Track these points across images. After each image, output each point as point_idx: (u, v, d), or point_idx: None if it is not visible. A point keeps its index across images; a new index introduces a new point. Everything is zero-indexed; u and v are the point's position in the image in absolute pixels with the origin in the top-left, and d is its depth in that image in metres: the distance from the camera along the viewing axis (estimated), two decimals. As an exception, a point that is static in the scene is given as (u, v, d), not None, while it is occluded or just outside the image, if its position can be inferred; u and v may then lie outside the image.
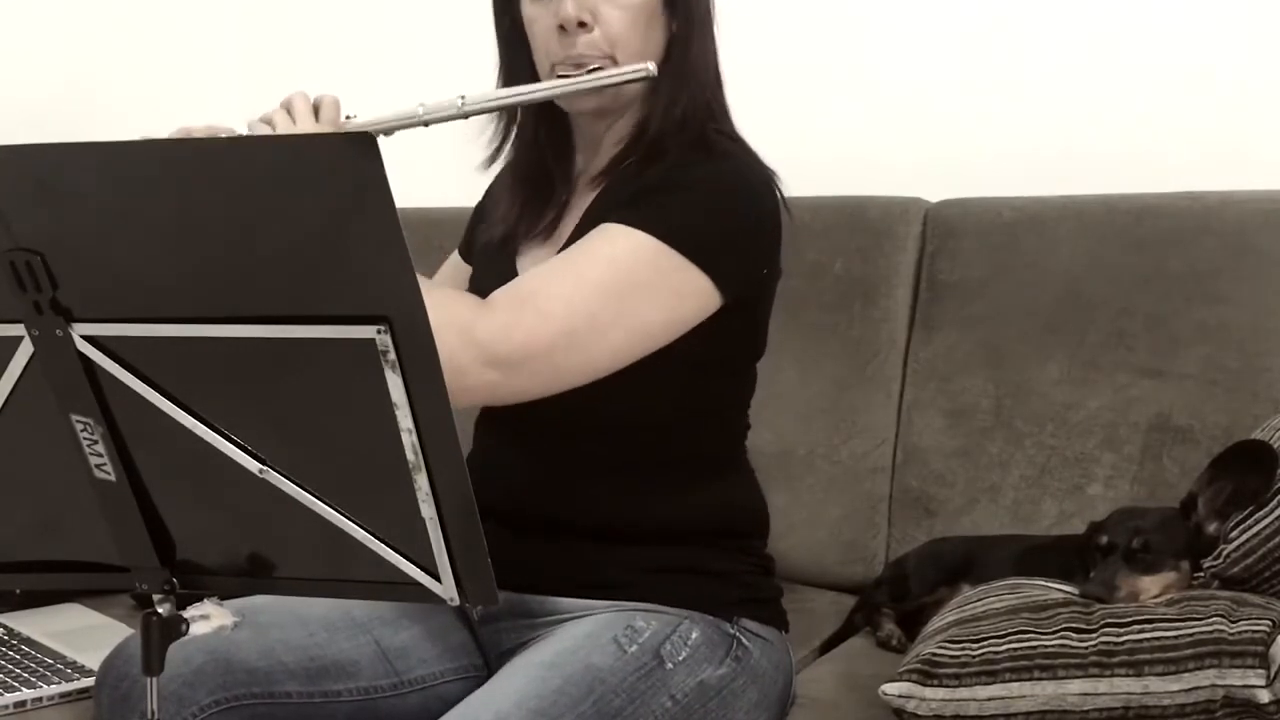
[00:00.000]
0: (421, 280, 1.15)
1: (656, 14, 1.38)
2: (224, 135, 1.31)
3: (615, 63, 1.36)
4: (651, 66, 1.33)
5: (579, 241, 1.34)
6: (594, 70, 1.35)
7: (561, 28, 1.35)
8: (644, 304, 1.30)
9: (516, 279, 1.34)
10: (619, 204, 1.35)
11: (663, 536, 1.41)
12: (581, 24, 1.34)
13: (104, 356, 0.93)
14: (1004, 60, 2.12)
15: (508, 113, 1.48)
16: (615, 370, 1.31)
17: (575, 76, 1.35)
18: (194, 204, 0.88)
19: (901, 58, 2.20)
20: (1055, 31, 2.09)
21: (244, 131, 1.33)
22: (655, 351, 1.32)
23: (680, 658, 1.35)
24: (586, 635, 1.34)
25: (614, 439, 1.40)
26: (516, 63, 1.44)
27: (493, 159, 1.51)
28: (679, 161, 1.37)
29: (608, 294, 1.28)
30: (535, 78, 1.41)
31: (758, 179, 1.39)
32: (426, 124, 1.33)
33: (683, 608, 1.38)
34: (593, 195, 1.43)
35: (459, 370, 1.19)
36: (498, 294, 1.31)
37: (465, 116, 1.35)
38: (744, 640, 1.40)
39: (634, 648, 1.33)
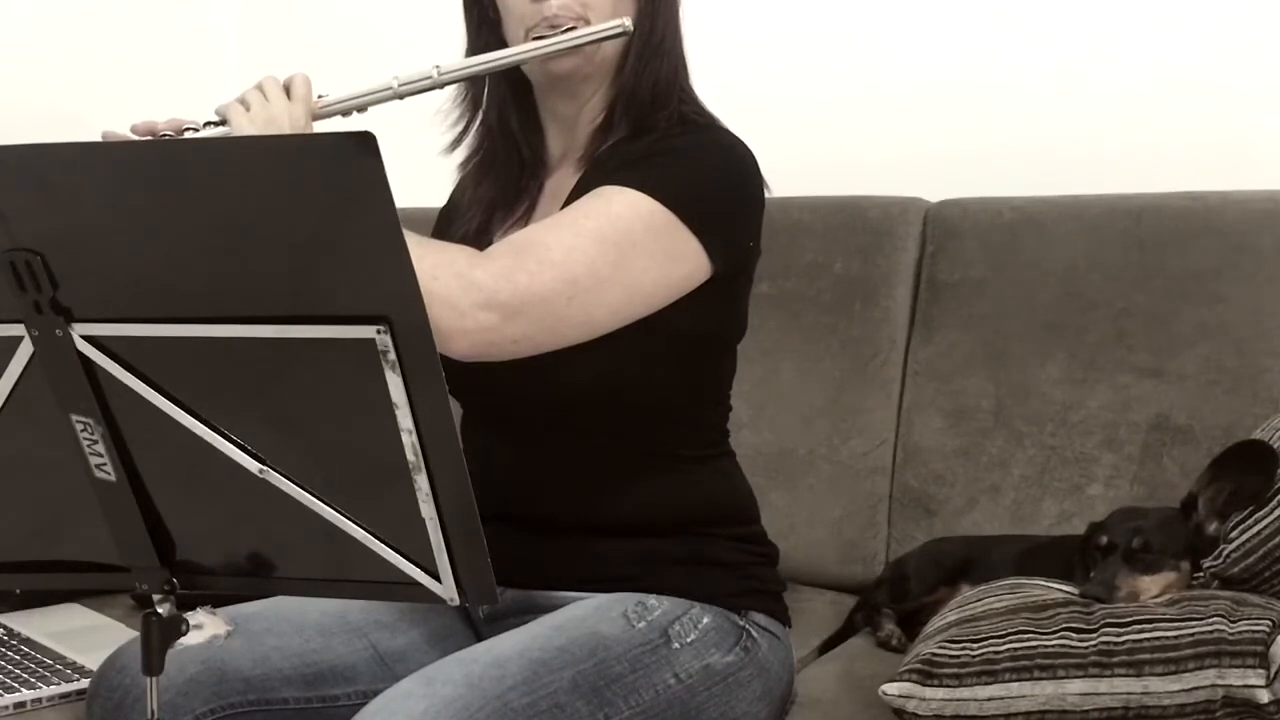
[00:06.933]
0: (417, 237, 1.12)
1: None
2: (186, 129, 1.31)
3: (588, 24, 1.36)
4: (628, 22, 1.34)
5: (573, 203, 1.34)
6: (569, 30, 1.35)
7: None
8: (639, 260, 1.29)
9: (514, 234, 1.33)
10: (610, 171, 1.34)
11: (664, 526, 1.41)
12: None
13: (104, 356, 0.93)
14: (1004, 60, 2.12)
15: (471, 99, 1.47)
16: (610, 329, 1.29)
17: (552, 37, 1.35)
18: (194, 204, 0.88)
19: (901, 57, 2.20)
20: (1055, 31, 2.09)
21: (210, 119, 1.32)
22: (644, 328, 1.32)
23: (688, 639, 1.35)
24: (595, 607, 1.34)
25: (604, 427, 1.39)
26: (486, 42, 1.43)
27: (455, 144, 1.50)
28: (667, 132, 1.37)
29: (605, 245, 1.27)
30: None
31: (744, 151, 1.40)
32: (401, 96, 1.32)
33: (692, 598, 1.39)
34: (576, 176, 1.42)
35: (457, 311, 1.18)
36: (495, 245, 1.30)
37: (440, 86, 1.34)
38: (753, 633, 1.40)
39: (642, 624, 1.33)
